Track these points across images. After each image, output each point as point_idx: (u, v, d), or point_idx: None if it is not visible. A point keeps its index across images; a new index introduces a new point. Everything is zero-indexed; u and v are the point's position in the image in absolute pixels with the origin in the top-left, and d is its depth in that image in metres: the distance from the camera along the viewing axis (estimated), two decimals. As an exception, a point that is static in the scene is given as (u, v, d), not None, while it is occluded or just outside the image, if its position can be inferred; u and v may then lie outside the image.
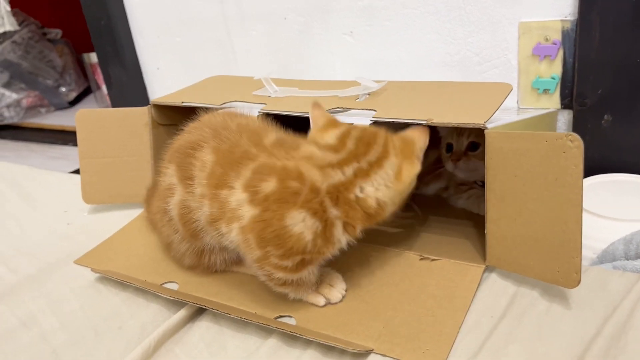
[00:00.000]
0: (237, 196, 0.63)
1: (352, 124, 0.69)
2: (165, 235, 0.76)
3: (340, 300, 0.67)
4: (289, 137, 0.69)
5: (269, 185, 0.61)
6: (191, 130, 0.74)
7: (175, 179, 0.71)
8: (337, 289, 0.68)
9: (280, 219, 0.60)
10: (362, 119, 0.74)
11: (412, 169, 0.66)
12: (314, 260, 0.64)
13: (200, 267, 0.75)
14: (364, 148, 0.64)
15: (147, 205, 0.84)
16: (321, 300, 0.67)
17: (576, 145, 0.57)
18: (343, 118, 0.72)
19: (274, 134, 0.69)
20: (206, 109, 0.78)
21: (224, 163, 0.65)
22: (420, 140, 0.68)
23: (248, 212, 0.62)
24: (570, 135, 0.58)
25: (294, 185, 0.61)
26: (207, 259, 0.74)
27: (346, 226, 0.63)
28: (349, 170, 0.63)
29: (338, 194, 0.62)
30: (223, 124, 0.71)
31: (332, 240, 0.63)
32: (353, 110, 0.79)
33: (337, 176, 0.62)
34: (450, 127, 0.86)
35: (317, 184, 0.61)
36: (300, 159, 0.63)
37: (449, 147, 0.88)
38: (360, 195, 0.63)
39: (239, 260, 0.75)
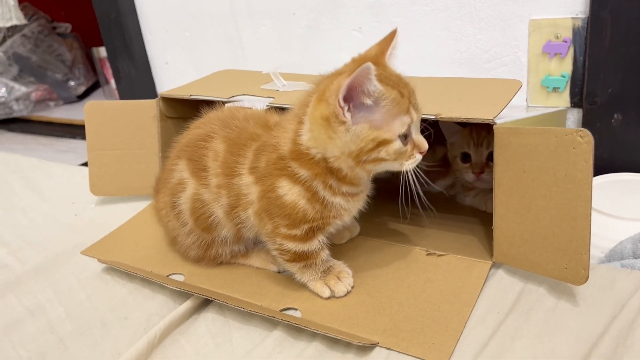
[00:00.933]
0: (245, 180, 0.65)
1: None
2: (172, 229, 0.77)
3: (345, 295, 0.67)
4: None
5: (262, 162, 0.63)
6: (199, 125, 0.74)
7: (186, 173, 0.71)
8: (343, 283, 0.67)
9: (274, 191, 0.62)
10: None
11: (320, 108, 0.58)
12: (323, 227, 0.64)
13: (206, 259, 0.75)
14: (309, 93, 0.62)
15: (155, 196, 0.85)
16: (326, 291, 0.67)
17: (586, 140, 0.57)
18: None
19: (277, 115, 0.69)
20: (212, 104, 0.79)
21: (233, 150, 0.67)
22: (343, 79, 0.55)
23: (254, 193, 0.64)
24: (580, 130, 0.57)
25: (273, 157, 0.62)
26: (214, 252, 0.74)
27: (325, 185, 0.61)
28: (295, 121, 0.62)
29: (295, 152, 0.61)
30: (231, 115, 0.72)
31: (327, 204, 0.62)
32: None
33: (289, 130, 0.61)
34: (464, 135, 0.86)
35: (281, 150, 0.62)
36: (278, 129, 0.64)
37: (465, 157, 0.86)
38: (302, 142, 0.60)
39: (245, 253, 0.75)
